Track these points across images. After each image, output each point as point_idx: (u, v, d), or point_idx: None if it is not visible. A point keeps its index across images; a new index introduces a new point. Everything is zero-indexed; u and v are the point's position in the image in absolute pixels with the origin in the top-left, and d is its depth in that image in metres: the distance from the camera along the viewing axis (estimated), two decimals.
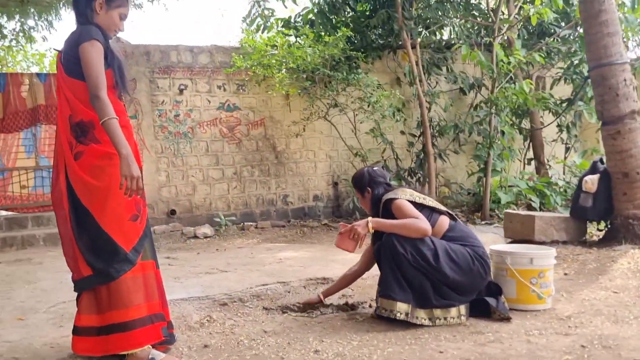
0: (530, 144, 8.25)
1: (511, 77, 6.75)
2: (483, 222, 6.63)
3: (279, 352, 2.37)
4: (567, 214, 5.04)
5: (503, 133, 6.99)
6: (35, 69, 12.19)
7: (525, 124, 8.14)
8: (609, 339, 2.31)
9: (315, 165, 8.00)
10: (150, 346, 2.24)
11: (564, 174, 8.29)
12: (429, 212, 2.83)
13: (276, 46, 7.07)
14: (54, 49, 2.43)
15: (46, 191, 6.92)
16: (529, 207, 6.78)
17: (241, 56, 6.97)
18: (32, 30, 9.23)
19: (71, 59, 2.21)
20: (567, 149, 8.41)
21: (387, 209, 2.83)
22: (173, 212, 7.17)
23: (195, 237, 6.42)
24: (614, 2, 4.51)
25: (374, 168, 3.08)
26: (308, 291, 3.57)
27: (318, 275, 3.93)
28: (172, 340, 2.47)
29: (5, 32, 9.16)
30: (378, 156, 7.68)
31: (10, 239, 5.79)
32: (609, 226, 4.75)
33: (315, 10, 7.22)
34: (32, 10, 8.58)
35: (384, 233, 2.73)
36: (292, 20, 7.65)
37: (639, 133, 4.48)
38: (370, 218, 2.76)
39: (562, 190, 7.07)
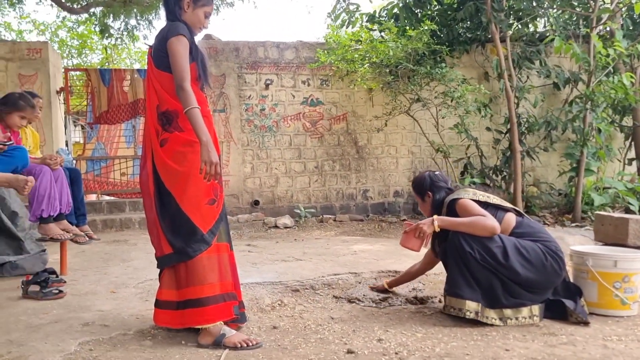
0: (632, 143, 7.65)
1: (611, 71, 6.29)
2: (573, 225, 6.26)
3: (343, 337, 2.42)
4: None
5: (599, 130, 6.54)
6: (137, 66, 13.13)
7: (627, 121, 7.57)
8: None
9: (397, 161, 7.96)
10: (222, 323, 2.38)
11: None
12: (494, 209, 2.75)
13: (360, 41, 7.11)
14: (147, 44, 2.68)
15: None
16: (627, 211, 6.31)
17: (325, 51, 7.08)
18: (134, 29, 9.96)
19: (160, 53, 2.41)
20: None
21: (451, 210, 2.78)
22: (257, 202, 7.45)
23: (276, 227, 6.64)
24: None
25: (436, 172, 3.05)
26: (378, 283, 3.59)
27: (390, 268, 3.95)
28: (243, 319, 2.60)
29: (112, 31, 9.96)
30: (462, 153, 7.49)
31: (110, 222, 6.31)
32: None
33: (400, 4, 7.15)
34: (135, 10, 9.25)
35: (448, 233, 2.70)
36: (377, 15, 7.63)
37: None
38: (436, 216, 2.73)
39: None
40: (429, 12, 7.11)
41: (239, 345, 2.32)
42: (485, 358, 2.13)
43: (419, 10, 7.19)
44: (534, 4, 7.46)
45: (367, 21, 7.62)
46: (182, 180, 2.37)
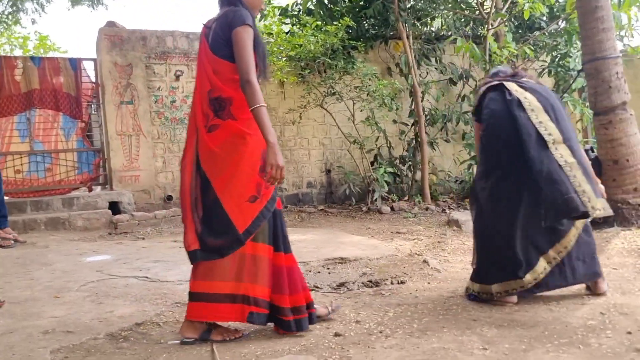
0: None
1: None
2: None
3: (323, 323, 2.53)
4: None
5: None
6: (18, 52, 11.93)
7: None
8: (623, 307, 2.55)
9: (309, 153, 8.14)
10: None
11: None
12: None
13: (272, 34, 7.17)
14: (202, 24, 2.44)
15: (41, 176, 6.88)
16: None
17: None
18: (20, 12, 9.06)
19: (220, 39, 2.27)
20: None
21: None
22: (170, 197, 7.22)
23: None
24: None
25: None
26: (328, 270, 3.73)
27: (334, 255, 4.11)
28: (300, 327, 2.36)
29: None
30: (372, 144, 7.87)
31: (11, 223, 5.77)
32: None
33: (315, 0, 7.32)
34: None
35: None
36: (290, 8, 7.73)
37: (629, 123, 4.76)
38: None
39: None
40: (339, 9, 7.34)
41: (228, 339, 2.32)
42: (459, 328, 2.37)
43: (331, 6, 7.40)
44: (433, 5, 8.06)
45: (279, 14, 7.68)
46: (226, 172, 2.25)
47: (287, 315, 2.33)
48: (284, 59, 6.71)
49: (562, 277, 2.73)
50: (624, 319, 2.39)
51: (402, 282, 3.35)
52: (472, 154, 7.39)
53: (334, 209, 7.28)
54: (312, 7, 7.38)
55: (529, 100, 2.72)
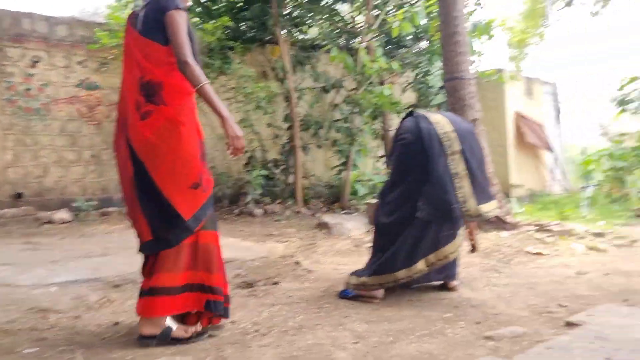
0: (383, 143, 9.10)
1: (373, 81, 7.41)
2: (343, 212, 7.20)
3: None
4: None
5: (363, 131, 7.64)
6: None
7: (378, 124, 8.97)
8: (472, 301, 2.86)
9: None
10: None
11: None
12: None
13: None
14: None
15: None
16: None
17: (108, 32, 6.61)
18: None
19: (152, 23, 2.20)
20: None
21: None
22: (20, 195, 6.55)
23: (50, 222, 5.97)
24: (466, 26, 5.30)
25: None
26: None
27: None
28: (227, 314, 2.39)
29: None
30: (246, 146, 7.84)
31: None
32: None
33: None
34: None
35: None
36: None
37: (480, 138, 5.32)
38: None
39: None
40: (217, 8, 7.24)
41: (190, 335, 2.26)
42: (332, 325, 2.47)
43: (209, 4, 7.26)
44: (310, 13, 8.29)
45: None
46: (165, 159, 2.17)
47: (228, 302, 2.38)
48: None
49: (428, 276, 3.02)
50: (473, 311, 2.67)
51: (275, 283, 3.40)
52: (343, 160, 7.71)
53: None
54: (191, 4, 7.18)
55: (434, 116, 3.06)
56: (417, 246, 2.90)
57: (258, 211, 6.91)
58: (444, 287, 3.14)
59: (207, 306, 2.27)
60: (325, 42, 8.55)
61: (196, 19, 6.67)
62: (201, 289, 2.28)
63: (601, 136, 22.76)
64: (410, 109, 3.43)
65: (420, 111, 3.22)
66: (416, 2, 7.67)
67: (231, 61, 6.96)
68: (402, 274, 2.89)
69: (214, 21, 6.57)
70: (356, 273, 3.03)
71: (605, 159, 8.40)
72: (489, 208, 2.91)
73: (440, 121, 3.00)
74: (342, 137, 7.65)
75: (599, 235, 5.10)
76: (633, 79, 7.89)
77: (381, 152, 9.13)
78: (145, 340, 2.21)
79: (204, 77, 2.18)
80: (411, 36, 8.26)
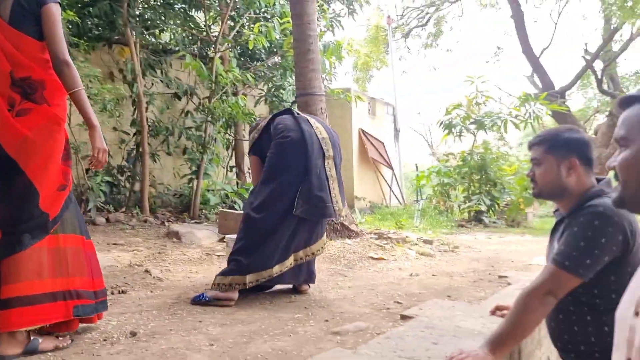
0: (234, 153, 9.14)
1: (227, 91, 7.45)
2: (193, 221, 7.08)
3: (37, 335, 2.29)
4: None
5: (215, 140, 7.61)
6: None
7: (230, 134, 9.01)
8: (321, 302, 3.05)
9: None
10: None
11: None
12: None
13: None
14: None
15: None
16: (233, 209, 7.56)
17: None
18: None
19: (25, 13, 2.05)
20: None
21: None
22: None
23: None
24: (319, 45, 5.63)
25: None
26: None
27: None
28: (105, 307, 2.39)
29: None
30: (88, 150, 7.33)
31: None
32: None
33: None
34: None
35: None
36: None
37: None
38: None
39: None
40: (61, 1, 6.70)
41: (61, 346, 2.12)
42: (186, 330, 2.46)
43: None
44: (163, 17, 8.07)
45: None
46: (41, 159, 2.08)
47: (104, 296, 2.38)
48: None
49: (294, 276, 3.18)
50: (322, 311, 2.86)
51: (123, 292, 3.26)
52: (194, 168, 7.59)
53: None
54: None
55: (314, 120, 3.29)
56: (291, 242, 3.07)
57: (100, 219, 6.48)
58: (296, 291, 3.30)
59: (76, 312, 2.19)
60: (177, 48, 8.38)
61: None
62: (67, 296, 2.17)
63: (430, 155, 25.36)
64: (289, 107, 3.73)
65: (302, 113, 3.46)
66: (271, 17, 7.90)
67: (74, 58, 6.47)
68: (276, 269, 3.03)
69: None
70: (223, 272, 3.04)
71: (434, 175, 9.43)
72: (346, 212, 3.26)
73: (320, 126, 3.22)
74: (194, 145, 7.54)
75: (428, 242, 5.73)
76: (456, 106, 9.02)
77: (232, 162, 9.17)
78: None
79: (80, 81, 2.14)
80: (265, 50, 8.47)
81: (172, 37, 8.63)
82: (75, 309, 2.20)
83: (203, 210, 7.55)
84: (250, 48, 7.36)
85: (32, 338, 2.10)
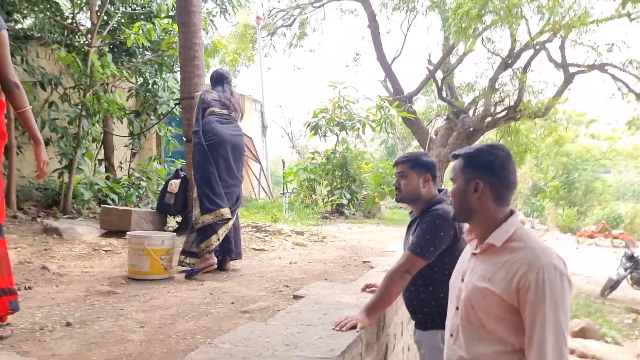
0: (102, 147, 9.01)
1: (105, 85, 7.41)
2: (65, 216, 6.98)
3: None
4: (145, 209, 6.19)
5: (88, 134, 7.53)
6: None
7: (98, 127, 8.86)
8: (222, 289, 3.56)
9: None
10: None
11: (129, 175, 9.41)
12: None
13: None
14: None
15: None
16: (106, 203, 7.56)
17: None
18: None
19: None
20: (134, 154, 9.60)
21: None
22: None
23: None
24: (204, 52, 6.00)
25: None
26: None
27: None
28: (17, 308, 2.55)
29: None
30: None
31: None
32: (184, 218, 6.15)
33: None
34: None
35: None
36: None
37: None
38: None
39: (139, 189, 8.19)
40: None
41: (5, 335, 2.36)
42: (113, 316, 2.83)
43: None
44: (25, 3, 7.71)
45: None
46: None
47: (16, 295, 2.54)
48: None
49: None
50: (225, 295, 3.38)
51: (29, 288, 3.45)
52: (64, 162, 7.44)
53: None
54: None
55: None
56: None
57: None
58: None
59: (12, 306, 2.44)
60: (39, 35, 8.05)
61: None
62: (3, 292, 2.41)
63: (291, 147, 26.34)
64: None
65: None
66: (148, 14, 7.99)
67: None
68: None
69: None
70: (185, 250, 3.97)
71: (302, 171, 10.25)
72: None
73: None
74: (66, 139, 7.39)
75: (300, 233, 6.46)
76: (322, 110, 9.91)
77: (101, 155, 9.03)
78: None
79: (27, 101, 2.35)
80: (140, 46, 8.50)
81: (35, 23, 8.25)
82: (10, 304, 2.47)
83: (74, 205, 7.45)
84: (129, 46, 7.40)
85: None
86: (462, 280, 1.81)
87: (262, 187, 12.34)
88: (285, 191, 10.95)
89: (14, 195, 6.92)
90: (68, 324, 2.65)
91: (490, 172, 1.74)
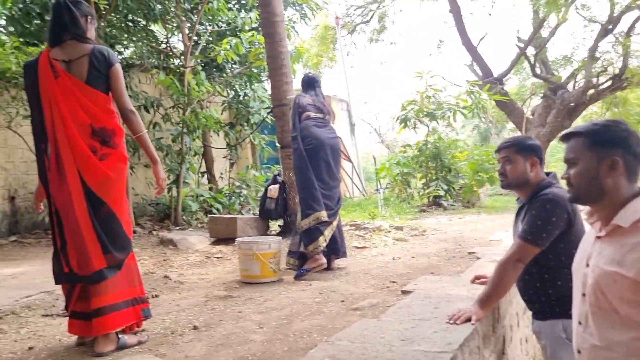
0: (203, 160, 9.55)
1: (201, 102, 7.87)
2: (177, 228, 7.49)
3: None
4: (248, 215, 6.46)
5: (190, 149, 8.03)
6: None
7: (198, 142, 9.40)
8: (330, 288, 3.65)
9: None
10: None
11: (229, 185, 9.90)
12: None
13: None
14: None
15: None
16: (211, 213, 8.01)
17: None
18: None
19: (97, 73, 2.48)
20: (232, 164, 10.08)
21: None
22: None
23: None
24: (290, 59, 6.18)
25: None
26: None
27: None
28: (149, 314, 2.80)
29: None
30: None
31: None
32: (285, 222, 6.36)
33: (6, 15, 6.69)
34: None
35: None
36: None
37: None
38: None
39: (240, 197, 8.59)
40: (34, 29, 6.90)
41: (143, 340, 2.64)
42: (233, 319, 3.01)
43: (27, 26, 6.87)
44: (125, 35, 8.36)
45: None
46: (119, 193, 2.54)
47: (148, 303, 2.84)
48: None
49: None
50: (334, 294, 3.47)
51: (156, 296, 3.75)
52: (172, 178, 7.97)
53: (30, 239, 6.76)
54: (1, 22, 6.75)
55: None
56: None
57: None
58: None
59: (144, 313, 2.70)
60: (139, 62, 8.70)
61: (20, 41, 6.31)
62: (136, 302, 2.66)
63: (379, 143, 26.20)
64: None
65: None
66: (233, 30, 8.35)
67: None
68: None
69: (37, 44, 6.33)
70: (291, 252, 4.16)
71: (395, 166, 10.19)
72: None
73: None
74: (171, 156, 7.91)
75: (399, 229, 6.43)
76: (410, 102, 9.80)
77: (203, 168, 9.57)
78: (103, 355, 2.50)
79: (143, 125, 2.60)
80: (230, 61, 8.92)
81: (136, 52, 8.93)
82: (142, 311, 2.73)
83: (184, 217, 7.97)
84: (220, 62, 7.79)
85: (119, 336, 2.60)
86: (587, 265, 1.72)
87: (355, 185, 12.41)
88: (379, 187, 10.92)
89: (132, 211, 7.52)
90: (195, 328, 2.86)
91: (626, 148, 1.64)
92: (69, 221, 2.51)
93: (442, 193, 9.38)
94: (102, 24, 7.85)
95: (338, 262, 4.55)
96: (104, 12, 6.96)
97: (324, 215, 4.19)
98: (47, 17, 7.30)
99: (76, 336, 2.71)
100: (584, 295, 1.71)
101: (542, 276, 2.54)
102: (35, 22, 6.83)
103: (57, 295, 3.77)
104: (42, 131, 2.57)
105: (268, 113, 8.08)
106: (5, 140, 7.28)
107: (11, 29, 6.76)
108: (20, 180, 7.58)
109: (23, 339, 2.86)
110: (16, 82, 6.30)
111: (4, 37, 6.55)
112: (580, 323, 1.73)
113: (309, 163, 4.26)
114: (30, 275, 4.47)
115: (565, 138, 1.77)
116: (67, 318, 2.70)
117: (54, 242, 2.61)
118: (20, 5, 6.62)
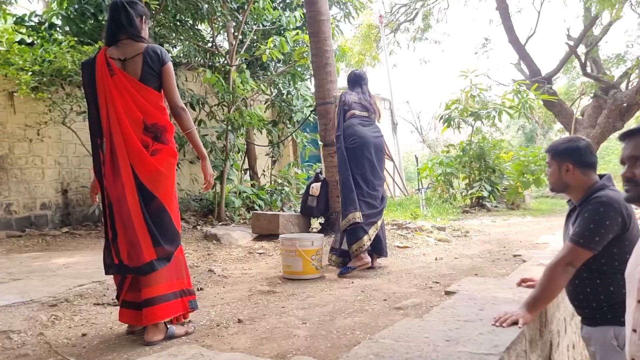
0: (246, 157, 9.69)
1: (245, 100, 7.99)
2: (220, 224, 7.63)
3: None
4: (290, 212, 6.51)
5: (234, 146, 8.16)
6: None
7: (241, 139, 9.55)
8: (372, 287, 3.65)
9: (43, 172, 7.61)
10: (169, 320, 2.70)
11: (271, 182, 10.01)
12: None
13: (1, 42, 6.60)
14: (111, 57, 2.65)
15: None
16: (253, 209, 8.12)
17: None
18: None
19: (148, 70, 2.56)
20: (274, 162, 10.19)
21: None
22: None
23: None
24: (334, 58, 6.20)
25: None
26: None
27: None
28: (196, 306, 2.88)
29: None
30: None
31: None
32: (326, 220, 6.39)
33: (62, 15, 6.97)
34: None
35: None
36: (27, 18, 7.15)
37: None
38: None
39: (281, 194, 8.69)
40: (89, 28, 7.17)
41: (190, 331, 2.74)
42: (277, 314, 3.05)
43: (82, 26, 7.14)
44: (174, 34, 8.57)
45: (15, 22, 7.03)
46: (169, 187, 2.63)
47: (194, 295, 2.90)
48: (30, 73, 6.26)
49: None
50: (376, 293, 3.46)
51: (201, 289, 3.84)
52: (216, 174, 8.12)
53: (81, 231, 7.03)
54: (57, 22, 7.04)
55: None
56: None
57: None
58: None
59: (191, 305, 2.77)
60: (186, 60, 8.91)
61: (74, 40, 6.57)
62: (184, 294, 2.73)
63: (421, 142, 25.90)
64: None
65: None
66: (278, 29, 8.44)
67: None
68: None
69: (92, 43, 6.58)
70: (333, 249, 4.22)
71: (437, 165, 10.08)
72: None
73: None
74: (216, 152, 8.07)
75: (441, 229, 6.35)
76: (454, 102, 9.65)
77: (246, 165, 9.71)
78: (152, 345, 2.59)
79: (192, 122, 2.66)
80: (274, 59, 9.01)
81: (183, 50, 9.14)
82: (190, 303, 2.80)
83: (227, 213, 8.11)
84: (264, 61, 7.88)
85: (168, 326, 2.68)
86: None
87: (397, 184, 12.32)
88: (420, 187, 10.82)
89: None
90: (239, 321, 2.92)
91: None
92: (121, 214, 2.59)
93: (485, 194, 9.21)
94: (152, 23, 8.11)
95: (380, 261, 4.54)
96: (153, 12, 7.15)
97: (357, 216, 4.18)
98: (101, 17, 7.59)
99: (126, 325, 2.81)
100: (638, 302, 1.65)
101: (593, 281, 2.46)
102: (90, 22, 7.09)
103: (107, 285, 3.92)
104: (98, 127, 2.67)
105: (311, 111, 8.12)
106: (60, 135, 7.60)
107: (67, 28, 7.02)
108: (72, 174, 7.89)
109: (77, 325, 2.99)
110: (71, 80, 6.56)
111: (60, 37, 6.82)
112: (634, 331, 1.67)
113: (349, 164, 4.27)
114: (82, 265, 4.66)
115: (627, 136, 1.71)
116: (118, 307, 2.81)
117: (106, 235, 2.71)
118: (76, 6, 6.87)
